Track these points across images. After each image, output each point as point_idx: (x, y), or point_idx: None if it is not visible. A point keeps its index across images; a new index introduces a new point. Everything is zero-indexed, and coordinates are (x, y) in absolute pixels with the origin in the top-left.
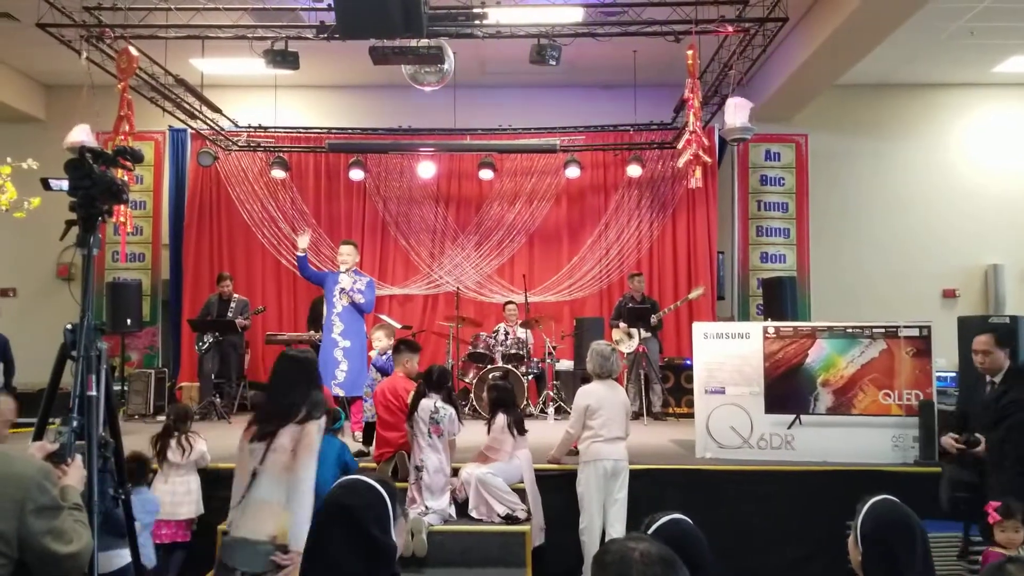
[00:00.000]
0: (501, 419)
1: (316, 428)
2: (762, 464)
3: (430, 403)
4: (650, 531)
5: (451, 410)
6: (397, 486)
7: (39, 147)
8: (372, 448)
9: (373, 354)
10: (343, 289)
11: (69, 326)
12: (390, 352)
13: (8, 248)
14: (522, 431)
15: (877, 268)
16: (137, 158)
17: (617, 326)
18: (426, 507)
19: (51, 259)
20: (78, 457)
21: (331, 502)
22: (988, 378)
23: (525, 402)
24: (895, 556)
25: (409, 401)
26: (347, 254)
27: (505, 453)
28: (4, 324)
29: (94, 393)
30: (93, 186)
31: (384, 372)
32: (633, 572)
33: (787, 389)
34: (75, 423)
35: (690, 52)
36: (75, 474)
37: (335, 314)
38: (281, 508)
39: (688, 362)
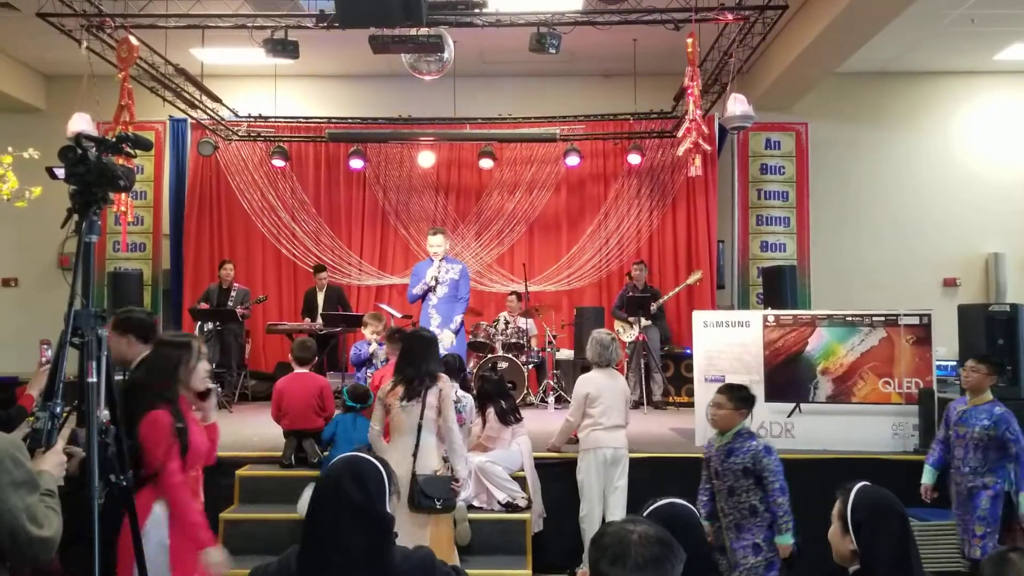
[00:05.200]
0: (492, 410)
1: (448, 384)
2: None
3: (451, 392)
4: (645, 513)
5: (471, 399)
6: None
7: (39, 137)
8: None
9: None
10: (435, 278)
11: None
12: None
13: (9, 238)
14: (517, 419)
15: (877, 256)
16: (141, 145)
17: (624, 319)
18: None
19: (52, 249)
20: (59, 443)
21: (334, 475)
22: None
23: (526, 391)
24: (881, 542)
25: None
26: (436, 244)
27: (504, 441)
28: (6, 314)
29: (93, 379)
30: (88, 172)
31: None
32: (631, 553)
33: (787, 377)
34: (58, 408)
35: (690, 40)
36: (52, 459)
37: (431, 306)
38: (437, 448)
39: (688, 351)
